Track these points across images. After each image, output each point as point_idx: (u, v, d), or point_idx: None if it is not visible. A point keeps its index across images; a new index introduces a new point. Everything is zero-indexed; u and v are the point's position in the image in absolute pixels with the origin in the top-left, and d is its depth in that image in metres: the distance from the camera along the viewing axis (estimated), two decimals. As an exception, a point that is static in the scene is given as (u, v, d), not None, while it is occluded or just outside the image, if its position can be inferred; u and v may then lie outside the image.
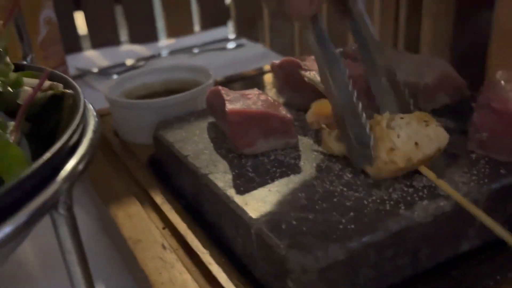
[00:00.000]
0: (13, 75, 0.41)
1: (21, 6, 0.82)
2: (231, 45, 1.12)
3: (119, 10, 1.19)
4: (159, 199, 0.48)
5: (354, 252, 0.32)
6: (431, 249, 0.36)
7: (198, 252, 0.40)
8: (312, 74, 0.49)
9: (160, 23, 1.25)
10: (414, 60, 0.51)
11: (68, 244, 0.31)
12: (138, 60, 1.08)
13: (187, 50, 1.10)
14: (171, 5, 1.22)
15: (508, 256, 0.36)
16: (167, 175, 0.52)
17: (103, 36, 1.16)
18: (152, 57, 1.08)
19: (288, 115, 0.44)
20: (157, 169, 0.53)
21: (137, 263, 0.40)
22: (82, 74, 1.00)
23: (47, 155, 0.29)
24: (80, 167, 0.31)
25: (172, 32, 1.23)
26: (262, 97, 0.47)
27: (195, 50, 1.10)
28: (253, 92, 0.48)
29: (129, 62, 1.07)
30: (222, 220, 0.41)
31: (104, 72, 1.02)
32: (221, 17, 1.29)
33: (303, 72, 0.50)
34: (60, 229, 0.30)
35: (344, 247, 0.32)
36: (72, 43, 1.12)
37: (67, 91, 0.39)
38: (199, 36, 1.22)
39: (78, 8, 1.14)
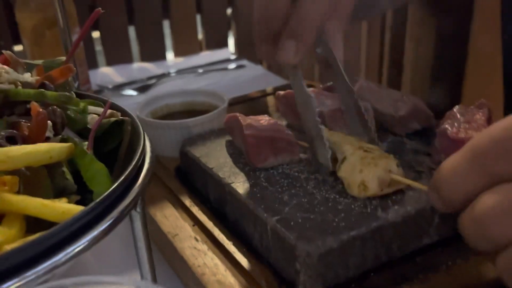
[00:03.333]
0: (81, 104, 0.52)
1: (54, 33, 0.94)
2: (232, 65, 1.24)
3: (132, 31, 1.30)
4: (188, 202, 0.60)
5: (344, 243, 0.45)
6: (401, 242, 0.48)
7: (224, 244, 0.52)
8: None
9: (168, 43, 1.37)
10: (391, 95, 0.63)
11: (140, 234, 0.43)
12: (149, 78, 1.19)
13: (193, 70, 1.22)
14: (179, 27, 1.34)
15: (456, 248, 0.49)
16: (192, 183, 0.63)
17: (117, 54, 1.28)
18: (162, 75, 1.19)
19: (293, 138, 0.57)
20: (183, 178, 0.65)
21: (177, 251, 0.52)
22: (101, 90, 1.12)
23: (130, 170, 0.41)
24: (147, 178, 0.43)
25: (179, 52, 1.35)
26: (272, 121, 0.60)
27: (200, 70, 1.21)
28: (264, 118, 0.60)
29: (140, 79, 1.19)
30: (242, 219, 0.53)
31: (119, 88, 1.14)
32: (223, 38, 1.41)
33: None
34: (135, 223, 0.42)
35: (337, 238, 0.44)
36: (90, 60, 1.24)
37: (126, 118, 0.51)
38: (203, 56, 1.34)
39: (95, 28, 1.26)
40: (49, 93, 0.49)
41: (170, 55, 1.41)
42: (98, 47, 1.31)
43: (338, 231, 0.45)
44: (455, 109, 0.56)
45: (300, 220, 0.47)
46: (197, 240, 0.53)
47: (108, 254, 0.60)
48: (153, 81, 1.17)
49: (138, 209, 0.42)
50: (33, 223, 0.39)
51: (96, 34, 1.29)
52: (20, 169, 0.41)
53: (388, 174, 0.49)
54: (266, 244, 0.49)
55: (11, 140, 0.44)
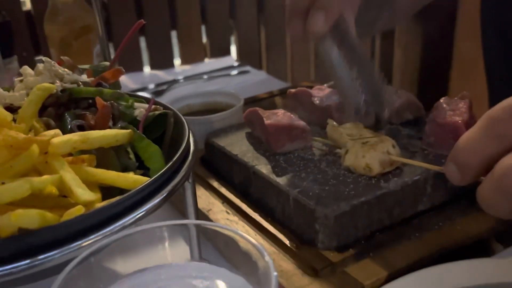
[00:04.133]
0: (130, 100, 0.62)
1: (80, 43, 1.04)
2: (236, 71, 1.34)
3: (142, 41, 1.40)
4: (216, 184, 0.70)
5: (354, 207, 0.55)
6: (400, 208, 0.58)
7: (251, 215, 0.62)
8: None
9: (176, 52, 1.47)
10: (387, 90, 0.74)
11: (191, 201, 0.53)
12: (158, 85, 1.29)
13: (199, 76, 1.32)
14: (185, 37, 1.44)
15: (445, 213, 0.59)
16: (217, 169, 0.73)
17: (129, 63, 1.38)
18: (173, 81, 1.29)
19: (307, 126, 0.67)
20: (208, 166, 0.75)
21: (212, 222, 0.62)
22: (117, 95, 1.21)
23: (182, 149, 0.51)
24: (195, 156, 0.53)
25: (186, 59, 1.46)
26: (286, 114, 0.70)
27: (205, 76, 1.31)
28: (279, 111, 0.71)
29: (151, 86, 1.28)
30: (265, 195, 0.63)
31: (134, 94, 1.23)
32: (226, 47, 1.52)
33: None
34: (187, 191, 0.52)
35: (348, 203, 0.55)
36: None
37: (169, 111, 0.60)
38: (208, 63, 1.44)
39: (110, 40, 1.36)
40: (105, 90, 0.59)
41: (177, 63, 1.51)
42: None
43: (349, 198, 0.55)
44: (442, 100, 0.66)
45: (317, 191, 0.57)
46: (228, 213, 0.63)
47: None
48: (164, 87, 1.26)
49: (190, 180, 0.52)
50: (104, 193, 0.49)
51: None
52: (91, 149, 0.51)
53: (387, 155, 0.59)
54: (288, 213, 0.59)
55: (81, 129, 0.54)
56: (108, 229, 0.41)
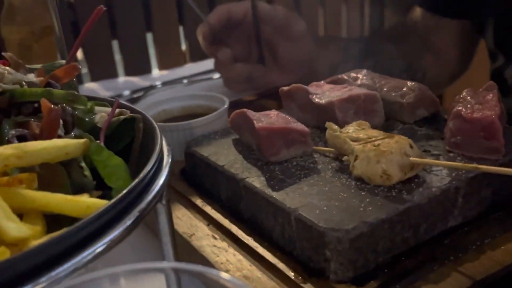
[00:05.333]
0: (88, 103, 0.50)
1: (42, 46, 0.92)
2: (217, 75, 1.23)
3: (115, 45, 1.29)
4: (199, 202, 0.58)
5: (374, 226, 0.44)
6: (428, 224, 0.47)
7: (244, 239, 0.51)
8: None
9: (152, 57, 1.36)
10: (395, 83, 0.63)
11: (166, 228, 0.41)
12: (134, 91, 1.18)
13: (179, 81, 1.21)
14: (162, 40, 1.33)
15: (482, 228, 0.48)
16: (200, 183, 0.62)
17: (101, 69, 1.26)
18: (150, 87, 1.17)
19: (306, 129, 0.56)
20: (190, 179, 0.63)
21: (196, 250, 0.50)
22: (88, 105, 1.09)
23: (154, 161, 0.39)
24: (170, 169, 0.41)
25: (164, 65, 1.34)
26: (280, 115, 0.58)
27: (185, 81, 1.20)
28: (272, 112, 0.59)
29: (126, 93, 1.17)
30: (259, 213, 0.51)
31: (106, 103, 1.11)
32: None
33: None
34: (160, 216, 0.41)
35: (366, 223, 0.43)
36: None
37: (137, 115, 0.49)
38: (188, 67, 1.33)
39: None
40: (56, 91, 0.47)
41: (155, 69, 1.39)
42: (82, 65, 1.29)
43: (366, 215, 0.44)
44: (465, 92, 0.56)
45: (325, 208, 0.46)
46: (215, 238, 0.52)
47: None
48: (140, 93, 1.15)
49: (164, 201, 0.40)
50: (51, 222, 0.38)
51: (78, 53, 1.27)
52: (34, 166, 0.39)
53: (407, 158, 0.48)
54: (289, 236, 0.48)
55: (22, 139, 0.42)
56: (45, 277, 0.29)
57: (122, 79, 1.27)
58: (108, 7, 1.26)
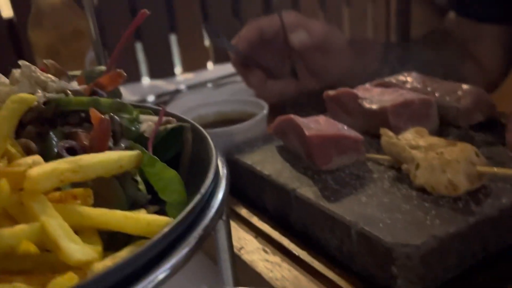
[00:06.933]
0: (134, 112, 0.48)
1: (69, 50, 0.90)
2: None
3: (139, 48, 1.27)
4: (244, 213, 0.56)
5: (444, 241, 0.41)
6: (498, 238, 0.44)
7: (298, 254, 0.48)
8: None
9: (176, 58, 1.33)
10: (448, 86, 0.60)
11: (225, 245, 0.38)
12: (159, 96, 1.16)
13: (203, 84, 1.18)
14: (187, 42, 1.30)
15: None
16: (243, 192, 0.59)
17: (125, 72, 1.24)
18: (176, 91, 1.15)
19: (359, 136, 0.53)
20: (231, 190, 0.61)
21: (247, 265, 0.47)
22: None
23: (213, 176, 0.37)
24: (228, 183, 0.39)
25: (187, 66, 1.32)
26: (330, 121, 0.56)
27: (209, 85, 1.18)
28: (321, 118, 0.57)
29: (151, 98, 1.15)
30: (313, 226, 0.49)
31: (133, 107, 1.09)
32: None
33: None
34: (219, 233, 0.38)
35: (436, 237, 0.40)
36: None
37: (186, 124, 0.46)
38: (212, 70, 1.30)
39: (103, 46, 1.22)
40: (103, 100, 0.45)
41: (178, 70, 1.37)
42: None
43: (435, 229, 0.41)
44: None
45: (388, 221, 0.43)
46: (266, 251, 0.49)
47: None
48: (166, 98, 1.13)
49: (224, 217, 0.37)
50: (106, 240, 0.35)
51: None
52: (87, 181, 0.37)
53: (473, 167, 0.45)
54: (348, 250, 0.45)
55: (71, 152, 0.40)
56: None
57: (146, 82, 1.25)
58: (132, 9, 1.24)
